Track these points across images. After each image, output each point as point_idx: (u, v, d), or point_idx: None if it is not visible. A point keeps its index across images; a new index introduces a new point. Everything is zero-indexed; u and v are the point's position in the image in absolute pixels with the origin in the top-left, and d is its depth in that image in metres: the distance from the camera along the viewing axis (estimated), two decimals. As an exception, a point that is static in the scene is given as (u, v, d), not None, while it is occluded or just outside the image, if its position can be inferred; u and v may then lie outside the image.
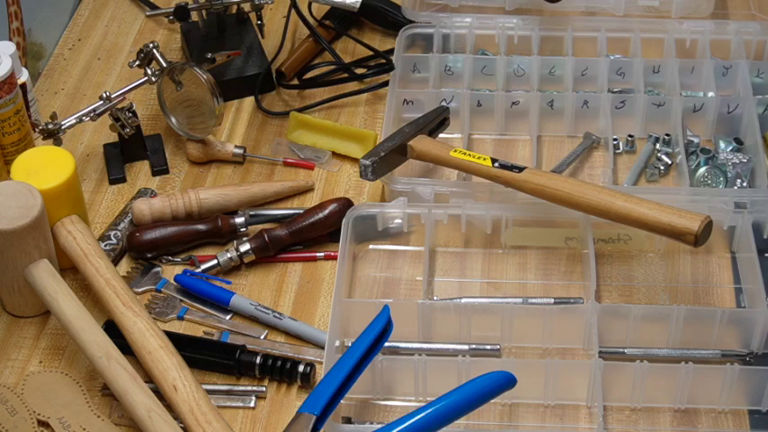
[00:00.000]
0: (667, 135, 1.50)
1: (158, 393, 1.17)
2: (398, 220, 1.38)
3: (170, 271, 1.37)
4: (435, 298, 1.33)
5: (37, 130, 1.44)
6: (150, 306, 1.33)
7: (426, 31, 1.61)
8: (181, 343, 1.24)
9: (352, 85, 1.60)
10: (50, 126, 1.41)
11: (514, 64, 1.57)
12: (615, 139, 1.50)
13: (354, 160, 1.48)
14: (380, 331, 1.15)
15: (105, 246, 1.37)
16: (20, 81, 1.41)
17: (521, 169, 1.32)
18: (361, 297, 1.34)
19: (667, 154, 1.48)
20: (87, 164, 1.51)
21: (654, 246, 1.38)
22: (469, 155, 1.35)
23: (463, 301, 1.30)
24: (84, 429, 1.19)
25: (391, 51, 1.60)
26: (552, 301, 1.32)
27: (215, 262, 1.36)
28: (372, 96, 1.59)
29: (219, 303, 1.33)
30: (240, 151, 1.49)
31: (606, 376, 1.20)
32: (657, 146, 1.50)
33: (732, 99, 1.51)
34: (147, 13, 1.70)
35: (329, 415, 1.09)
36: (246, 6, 1.59)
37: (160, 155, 1.51)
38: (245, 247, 1.36)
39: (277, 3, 1.66)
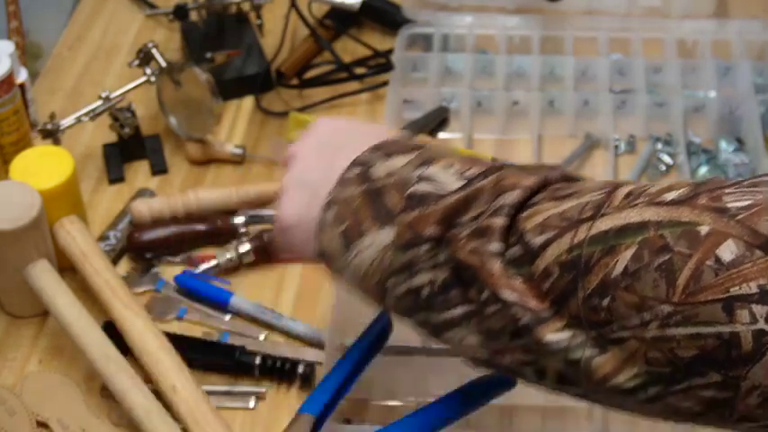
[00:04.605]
0: (669, 135, 1.50)
1: (157, 394, 1.17)
2: (398, 221, 1.37)
3: (169, 271, 1.37)
4: (435, 298, 1.32)
5: (36, 129, 1.43)
6: (149, 306, 1.32)
7: (426, 30, 1.61)
8: (180, 344, 1.23)
9: (352, 85, 1.59)
10: (49, 126, 1.40)
11: (515, 64, 1.57)
12: (616, 140, 1.50)
13: (354, 160, 1.47)
14: (380, 331, 1.15)
15: (104, 246, 1.37)
16: (18, 81, 1.40)
17: (521, 169, 1.31)
18: (361, 297, 1.34)
19: (669, 154, 1.48)
20: (86, 164, 1.50)
21: (655, 246, 1.37)
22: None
23: (463, 301, 1.30)
24: (84, 430, 1.19)
25: (391, 51, 1.59)
26: (553, 301, 1.31)
27: (214, 262, 1.36)
28: (372, 96, 1.59)
29: (219, 304, 1.33)
30: (240, 151, 1.49)
31: (607, 377, 1.19)
32: (659, 146, 1.49)
33: (734, 99, 1.51)
34: (147, 13, 1.70)
35: (329, 416, 1.08)
36: (246, 6, 1.59)
37: (159, 155, 1.50)
38: (244, 248, 1.36)
39: (277, 2, 1.66)
